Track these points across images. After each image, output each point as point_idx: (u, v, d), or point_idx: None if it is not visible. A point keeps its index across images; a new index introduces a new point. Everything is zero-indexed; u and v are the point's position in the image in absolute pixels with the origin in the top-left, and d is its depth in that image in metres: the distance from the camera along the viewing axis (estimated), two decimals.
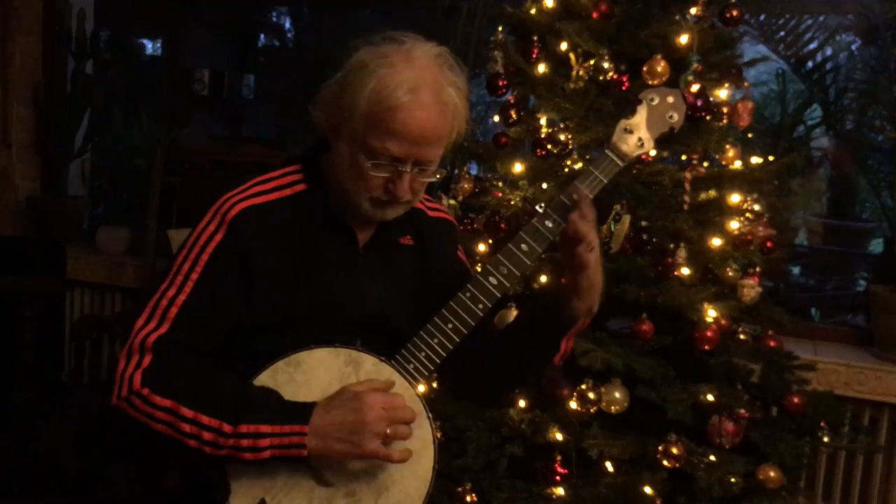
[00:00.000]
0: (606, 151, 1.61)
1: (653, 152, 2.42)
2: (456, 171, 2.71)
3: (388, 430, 1.47)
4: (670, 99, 1.66)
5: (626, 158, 1.63)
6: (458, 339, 1.56)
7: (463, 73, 1.57)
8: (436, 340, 1.56)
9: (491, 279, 1.58)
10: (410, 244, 1.71)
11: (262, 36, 6.75)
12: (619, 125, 1.64)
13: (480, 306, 1.57)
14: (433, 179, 1.58)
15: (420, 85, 1.48)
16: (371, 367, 1.54)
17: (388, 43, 1.52)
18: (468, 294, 1.57)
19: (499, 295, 1.58)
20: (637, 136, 1.63)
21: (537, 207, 1.64)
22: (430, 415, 1.55)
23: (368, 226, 1.64)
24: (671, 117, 1.65)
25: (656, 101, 1.65)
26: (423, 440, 1.54)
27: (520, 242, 1.59)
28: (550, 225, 1.58)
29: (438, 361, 1.56)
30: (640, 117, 1.64)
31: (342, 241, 1.62)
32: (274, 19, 6.94)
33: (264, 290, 1.55)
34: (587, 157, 2.46)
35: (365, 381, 1.52)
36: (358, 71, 1.50)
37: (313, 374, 1.52)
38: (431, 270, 1.72)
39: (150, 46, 6.60)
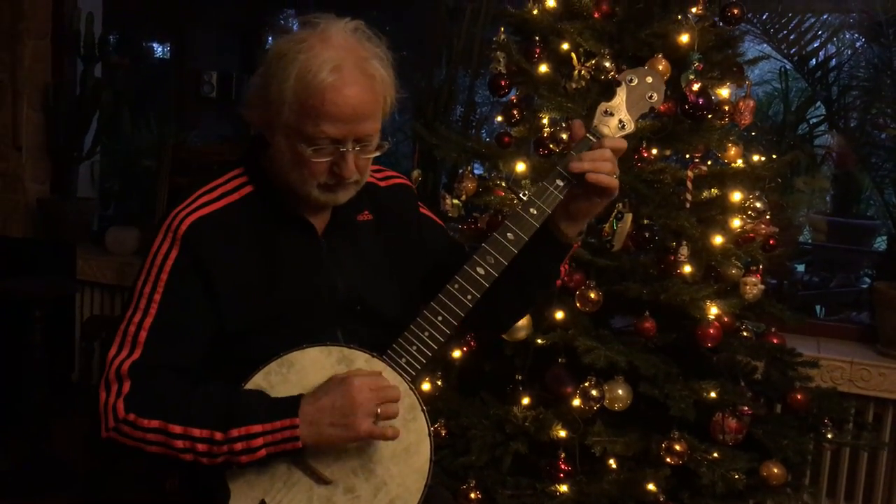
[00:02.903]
0: (587, 135, 1.60)
1: (654, 150, 2.45)
2: (460, 171, 2.73)
3: (378, 410, 1.47)
4: (649, 79, 1.64)
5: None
6: (448, 332, 1.57)
7: (382, 43, 1.54)
8: (426, 334, 1.56)
9: (479, 269, 1.58)
10: (369, 219, 1.70)
11: (269, 38, 6.78)
12: (599, 108, 1.62)
13: (469, 297, 1.57)
14: (377, 154, 1.57)
15: (342, 62, 1.46)
16: (363, 364, 1.54)
17: (302, 28, 1.51)
18: (456, 286, 1.57)
19: (487, 285, 1.58)
20: (618, 118, 1.61)
21: (521, 195, 1.64)
22: (424, 408, 1.56)
23: (323, 212, 1.63)
24: (651, 97, 1.63)
25: (635, 81, 1.63)
26: (418, 433, 1.55)
27: (505, 231, 1.59)
28: (535, 212, 1.59)
29: (430, 354, 1.57)
30: (620, 99, 1.62)
31: (299, 233, 1.60)
32: (281, 21, 6.97)
33: (231, 299, 1.53)
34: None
35: (350, 371, 1.52)
36: (278, 62, 1.49)
37: (306, 373, 1.52)
38: (398, 240, 1.72)
39: (158, 49, 6.63)
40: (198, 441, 1.46)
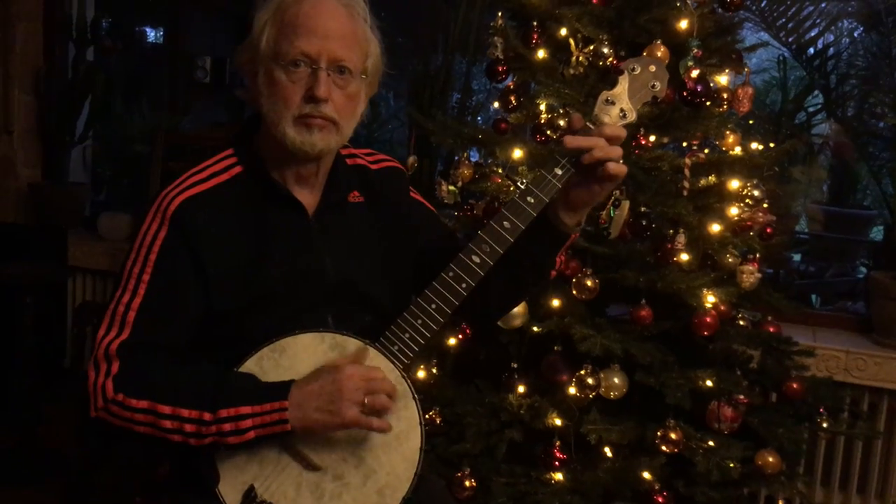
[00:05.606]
0: (587, 124, 1.56)
1: (652, 137, 2.43)
2: (456, 157, 2.71)
3: (366, 400, 1.46)
4: (652, 68, 1.60)
5: None
6: (442, 320, 1.54)
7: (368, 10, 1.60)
8: (419, 321, 1.54)
9: (474, 258, 1.55)
10: (360, 201, 1.69)
11: None
12: (600, 97, 1.58)
13: (464, 285, 1.54)
14: (355, 91, 1.55)
15: None
16: (355, 351, 1.53)
17: None
18: (451, 274, 1.55)
19: (482, 273, 1.55)
20: (619, 106, 1.56)
21: (519, 184, 1.61)
22: (416, 396, 1.54)
23: (313, 190, 1.62)
24: (654, 86, 1.59)
25: (638, 70, 1.59)
26: (409, 421, 1.53)
27: (502, 220, 1.55)
28: (532, 200, 1.55)
29: (423, 342, 1.55)
30: (622, 87, 1.57)
31: (289, 213, 1.59)
32: None
33: (220, 278, 1.53)
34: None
35: (344, 359, 1.51)
36: (261, 9, 1.56)
37: (298, 359, 1.51)
38: (389, 222, 1.71)
39: (151, 33, 6.58)
40: (186, 421, 1.45)
